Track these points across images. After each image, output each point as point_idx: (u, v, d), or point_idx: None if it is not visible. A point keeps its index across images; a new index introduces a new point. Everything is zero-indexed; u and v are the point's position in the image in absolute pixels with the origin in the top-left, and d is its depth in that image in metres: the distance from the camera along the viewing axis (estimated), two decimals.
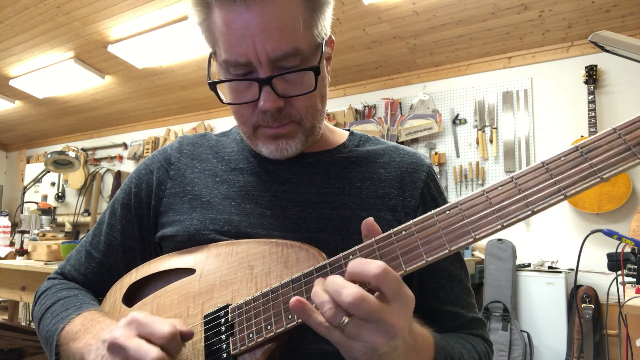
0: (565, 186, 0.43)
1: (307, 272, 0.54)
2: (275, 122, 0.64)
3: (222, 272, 0.62)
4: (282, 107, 0.63)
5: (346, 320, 0.44)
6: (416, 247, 0.48)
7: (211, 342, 0.57)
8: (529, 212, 0.44)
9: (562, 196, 0.43)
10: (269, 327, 0.53)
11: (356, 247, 0.52)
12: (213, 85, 0.64)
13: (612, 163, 0.42)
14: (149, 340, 0.50)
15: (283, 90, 0.62)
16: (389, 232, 0.51)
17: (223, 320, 0.57)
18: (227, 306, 0.58)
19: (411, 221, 0.50)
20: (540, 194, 0.44)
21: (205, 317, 0.60)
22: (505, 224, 0.45)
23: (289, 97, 0.63)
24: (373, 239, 0.51)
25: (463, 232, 0.46)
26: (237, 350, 0.54)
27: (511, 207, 0.45)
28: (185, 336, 0.53)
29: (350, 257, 0.51)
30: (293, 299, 0.47)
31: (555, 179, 0.44)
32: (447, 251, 0.46)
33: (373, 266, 0.44)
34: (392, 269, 0.46)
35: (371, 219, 0.52)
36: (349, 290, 0.44)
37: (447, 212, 0.48)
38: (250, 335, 0.54)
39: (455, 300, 0.70)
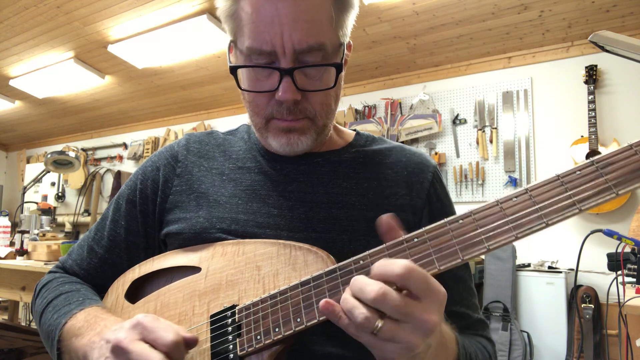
0: (580, 200, 0.43)
1: (316, 275, 0.53)
2: (290, 115, 0.64)
3: (229, 272, 0.62)
4: (299, 101, 0.63)
5: (379, 325, 0.43)
6: (428, 255, 0.48)
7: (217, 342, 0.57)
8: (543, 225, 0.44)
9: (577, 210, 0.43)
10: (277, 330, 0.53)
11: (367, 252, 0.51)
12: (234, 70, 0.64)
13: (628, 179, 0.42)
14: (152, 346, 0.50)
15: (302, 83, 0.62)
16: (400, 238, 0.50)
17: (230, 320, 0.57)
18: (233, 306, 0.58)
19: (423, 228, 0.49)
20: (555, 207, 0.44)
21: (211, 316, 0.59)
22: (519, 235, 0.45)
23: (307, 92, 0.63)
24: (384, 245, 0.51)
25: (476, 242, 0.46)
26: (245, 351, 0.54)
27: (525, 219, 0.45)
28: (190, 343, 0.53)
29: (361, 261, 0.51)
30: (322, 302, 0.46)
31: (570, 193, 0.44)
32: (459, 260, 0.46)
33: (397, 265, 0.44)
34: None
35: (386, 215, 0.50)
36: (372, 287, 0.43)
37: (461, 220, 0.48)
38: (258, 337, 0.54)
39: (461, 301, 0.70)
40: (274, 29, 0.58)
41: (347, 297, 0.45)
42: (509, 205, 0.46)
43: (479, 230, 0.46)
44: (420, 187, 0.72)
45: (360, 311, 0.43)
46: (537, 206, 0.45)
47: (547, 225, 0.44)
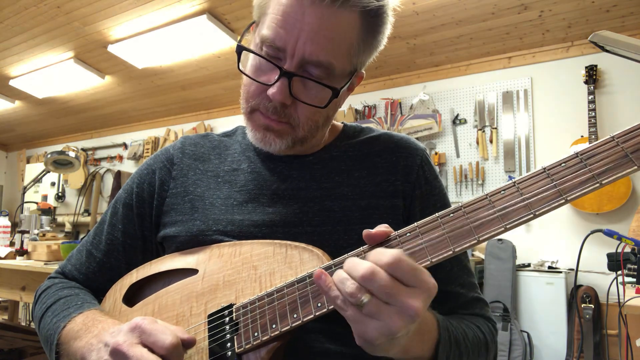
0: (565, 190, 0.45)
1: (312, 272, 0.54)
2: (274, 115, 0.65)
3: (226, 272, 0.62)
4: (287, 106, 0.63)
5: (365, 300, 0.44)
6: (421, 249, 0.49)
7: (215, 341, 0.57)
8: (531, 215, 0.46)
9: (563, 200, 0.45)
10: (274, 326, 0.53)
11: (361, 248, 0.52)
12: (240, 49, 0.65)
13: (610, 169, 0.44)
14: (151, 349, 0.50)
15: (297, 91, 0.62)
16: (393, 233, 0.51)
17: (227, 319, 0.58)
18: (231, 305, 0.59)
19: (415, 223, 0.51)
20: (542, 198, 0.46)
21: (209, 316, 0.60)
22: (508, 226, 0.46)
23: (298, 100, 0.63)
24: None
25: (467, 234, 0.48)
26: (242, 348, 0.55)
27: (514, 211, 0.47)
28: (188, 344, 0.53)
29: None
30: (317, 270, 0.48)
31: (555, 183, 0.46)
32: (451, 252, 0.48)
33: (387, 253, 0.45)
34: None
35: (366, 230, 0.52)
36: (363, 265, 0.45)
37: (451, 214, 0.49)
38: (255, 334, 0.54)
39: (455, 280, 0.71)
40: (293, 30, 0.59)
41: (340, 272, 0.47)
42: (498, 198, 0.48)
43: (469, 223, 0.48)
44: (408, 172, 0.73)
45: (351, 282, 0.45)
46: (524, 197, 0.46)
47: (535, 215, 0.46)
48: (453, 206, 0.50)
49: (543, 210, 0.45)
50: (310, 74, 0.62)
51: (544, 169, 0.47)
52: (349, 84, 0.67)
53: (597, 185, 0.44)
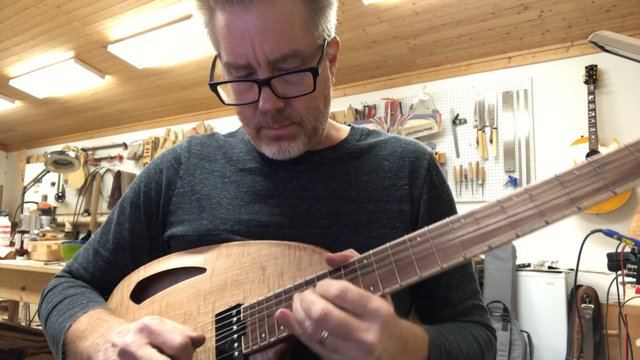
0: (578, 199, 0.45)
1: (320, 274, 0.54)
2: (276, 124, 0.64)
3: (234, 272, 0.62)
4: (283, 109, 0.63)
5: (325, 335, 0.46)
6: (431, 254, 0.49)
7: (222, 340, 0.57)
8: (543, 224, 0.45)
9: (576, 209, 0.44)
10: (281, 328, 0.53)
11: (370, 251, 0.52)
12: (214, 87, 0.65)
13: (624, 178, 0.44)
14: (160, 349, 0.50)
15: (282, 91, 0.62)
16: (403, 237, 0.51)
17: (235, 319, 0.58)
18: (238, 305, 0.59)
19: (425, 228, 0.50)
20: (555, 206, 0.45)
21: (216, 315, 0.60)
22: (519, 234, 0.46)
23: (288, 98, 0.63)
24: (388, 245, 0.52)
25: (478, 240, 0.47)
26: (249, 349, 0.55)
27: (526, 218, 0.46)
28: (197, 342, 0.54)
29: (365, 261, 0.52)
30: (278, 311, 0.50)
31: (569, 192, 0.45)
32: (462, 259, 0.47)
33: (333, 287, 0.47)
34: (399, 276, 0.48)
35: (329, 255, 0.53)
36: (316, 306, 0.46)
37: (462, 220, 0.49)
38: (263, 335, 0.54)
39: (458, 286, 0.71)
40: (245, 43, 0.59)
41: (298, 308, 0.49)
42: (509, 204, 0.47)
43: (481, 230, 0.47)
44: (416, 176, 0.73)
45: (308, 323, 0.47)
46: (537, 205, 0.46)
47: (547, 224, 0.45)
48: (464, 211, 0.49)
49: (556, 218, 0.45)
50: (284, 69, 0.61)
51: (557, 176, 0.46)
52: (326, 56, 0.66)
53: (611, 194, 0.44)
